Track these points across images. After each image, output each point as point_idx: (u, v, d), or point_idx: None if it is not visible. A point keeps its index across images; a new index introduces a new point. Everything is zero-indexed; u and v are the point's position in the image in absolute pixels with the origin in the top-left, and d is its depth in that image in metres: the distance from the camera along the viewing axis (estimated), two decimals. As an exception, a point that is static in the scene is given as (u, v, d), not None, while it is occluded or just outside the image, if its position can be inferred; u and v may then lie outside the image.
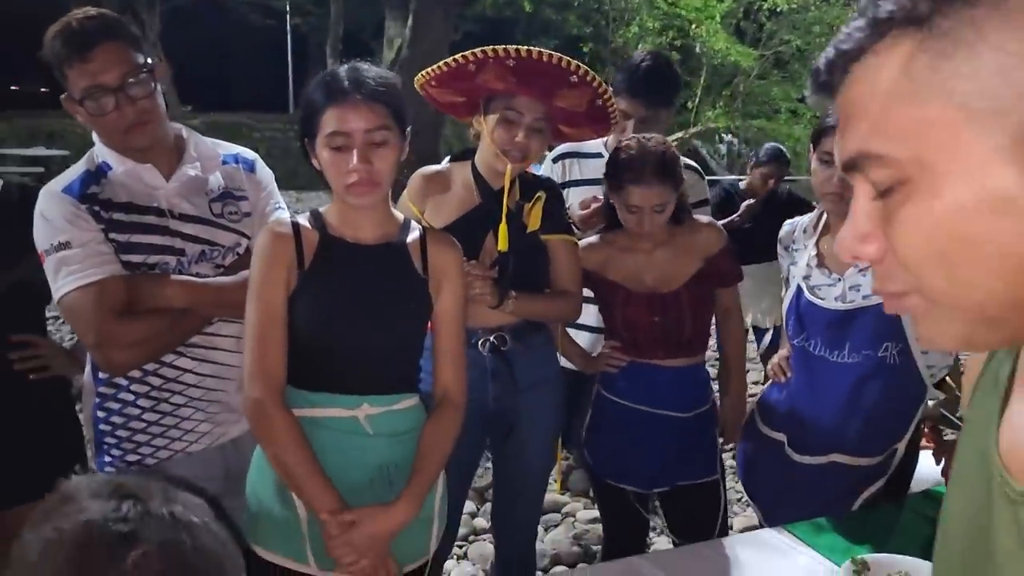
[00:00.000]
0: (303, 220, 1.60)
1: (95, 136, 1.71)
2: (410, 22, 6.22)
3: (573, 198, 2.53)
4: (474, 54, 1.86)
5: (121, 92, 1.61)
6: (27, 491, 1.78)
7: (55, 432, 1.88)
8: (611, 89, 2.02)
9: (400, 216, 1.68)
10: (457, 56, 1.89)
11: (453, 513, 2.04)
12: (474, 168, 2.04)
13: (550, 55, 1.85)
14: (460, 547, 3.13)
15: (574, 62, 1.87)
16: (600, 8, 16.42)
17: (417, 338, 1.65)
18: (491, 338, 2.04)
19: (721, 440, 2.28)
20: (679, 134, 14.47)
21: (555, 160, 2.62)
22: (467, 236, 1.90)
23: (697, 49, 14.70)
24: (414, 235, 1.64)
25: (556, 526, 3.40)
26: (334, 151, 1.49)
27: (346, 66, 1.53)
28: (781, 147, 4.61)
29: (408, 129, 1.57)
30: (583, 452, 2.28)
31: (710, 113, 13.20)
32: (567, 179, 2.59)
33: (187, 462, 1.73)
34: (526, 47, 1.86)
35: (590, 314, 2.44)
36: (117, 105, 1.62)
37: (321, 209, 1.64)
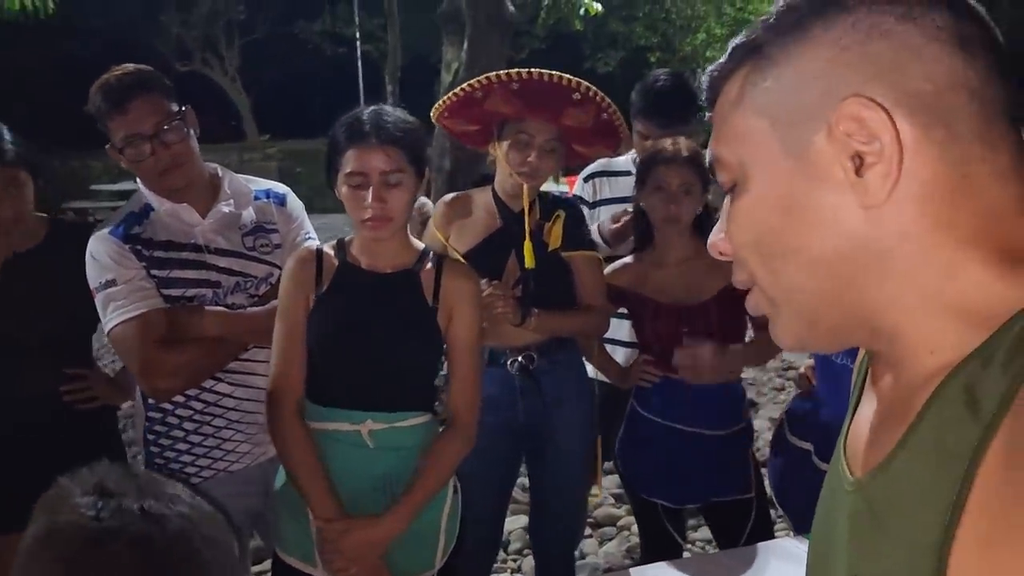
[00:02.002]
0: (327, 247, 1.73)
1: (138, 180, 1.86)
2: (465, 45, 6.35)
3: (605, 215, 2.58)
4: (479, 82, 1.94)
5: (156, 139, 1.75)
6: None
7: (101, 456, 2.02)
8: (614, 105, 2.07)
9: (420, 246, 1.77)
10: (464, 85, 1.98)
11: (493, 527, 2.11)
12: (494, 192, 2.12)
13: (551, 75, 1.92)
14: (515, 560, 3.19)
15: (575, 79, 1.94)
16: (667, 17, 16.37)
17: (425, 362, 1.73)
18: (519, 358, 2.10)
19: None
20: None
21: (586, 180, 2.69)
22: (490, 258, 1.97)
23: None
24: (429, 265, 1.73)
25: (611, 539, 3.43)
26: (352, 188, 1.61)
27: (370, 109, 1.64)
28: None
29: (427, 169, 1.68)
30: (617, 464, 2.32)
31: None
32: (598, 198, 2.65)
33: (229, 480, 1.85)
34: (528, 69, 1.94)
35: (625, 329, 2.48)
36: (153, 151, 1.76)
37: (346, 238, 1.75)
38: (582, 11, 6.47)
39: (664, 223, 2.13)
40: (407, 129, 1.63)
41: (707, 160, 0.66)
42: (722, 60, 0.63)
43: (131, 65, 1.81)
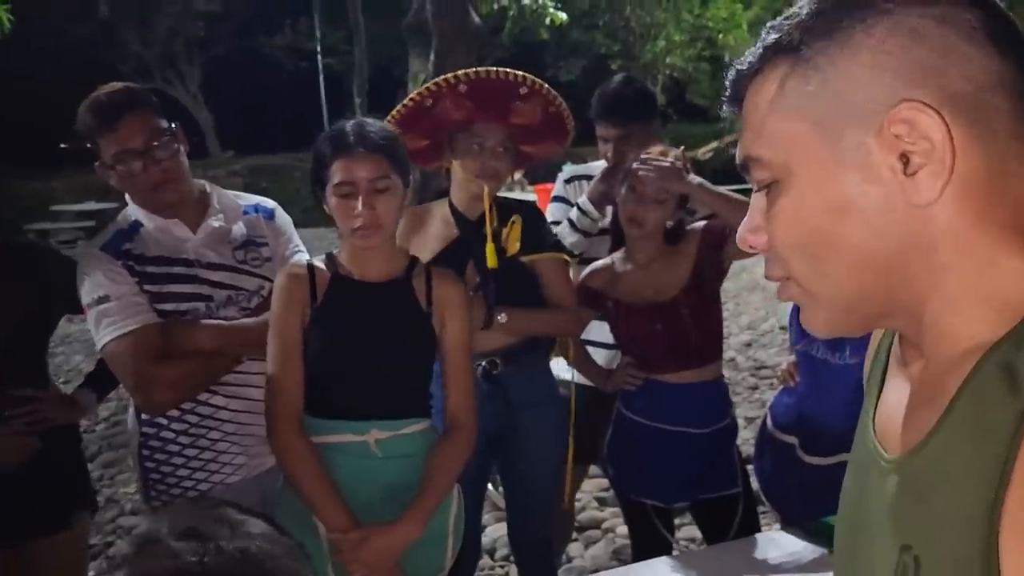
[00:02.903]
0: (317, 261, 1.75)
1: (127, 197, 1.87)
2: (432, 57, 6.39)
3: None
4: (428, 88, 2.00)
5: (147, 155, 1.76)
6: (39, 527, 1.97)
7: (63, 472, 2.02)
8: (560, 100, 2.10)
9: (408, 255, 1.80)
10: (412, 94, 2.03)
11: (471, 531, 2.12)
12: (451, 203, 2.17)
13: (498, 71, 1.98)
14: (502, 567, 3.21)
15: (521, 74, 1.99)
16: (627, 25, 16.55)
17: (422, 367, 1.77)
18: (483, 363, 2.12)
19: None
20: (714, 144, 14.49)
21: (567, 181, 2.73)
22: (449, 266, 2.01)
23: (726, 58, 14.71)
24: (420, 272, 1.77)
25: (596, 542, 3.46)
26: (341, 199, 1.64)
27: (352, 121, 1.68)
28: None
29: (411, 176, 1.71)
30: (606, 467, 2.35)
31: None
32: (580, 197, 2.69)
33: (225, 492, 1.84)
34: (474, 69, 2.00)
35: (606, 331, 2.52)
36: (144, 167, 1.77)
37: (334, 251, 1.77)
38: (547, 21, 6.55)
39: (628, 223, 2.16)
40: (390, 138, 1.69)
41: (738, 159, 0.67)
42: (750, 59, 0.64)
43: (120, 83, 1.82)
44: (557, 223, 2.57)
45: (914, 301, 0.60)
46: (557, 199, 2.75)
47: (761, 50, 0.63)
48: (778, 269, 0.66)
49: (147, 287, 1.79)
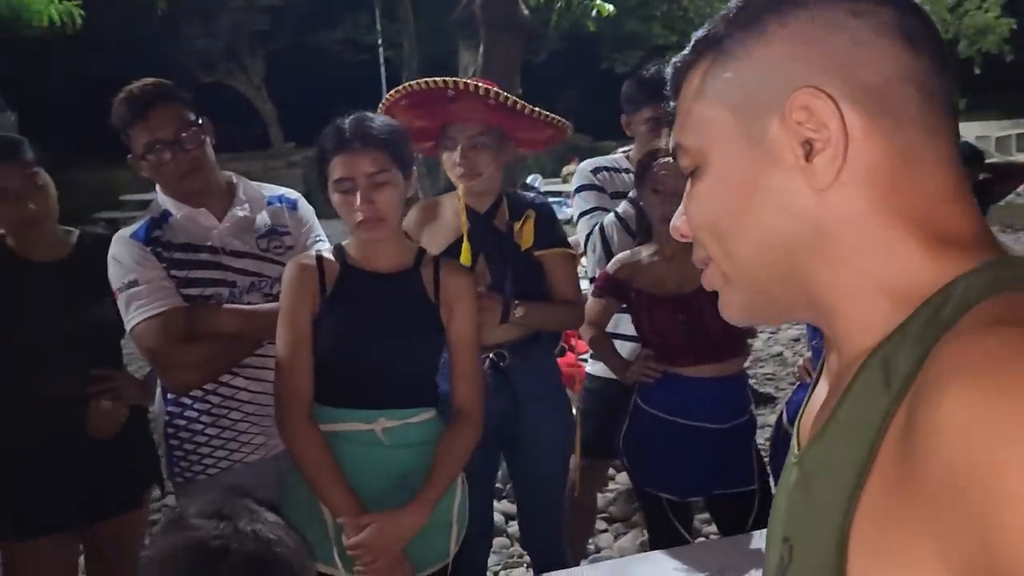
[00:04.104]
0: (327, 252, 1.79)
1: (157, 188, 1.96)
2: (480, 49, 6.43)
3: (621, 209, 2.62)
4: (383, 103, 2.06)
5: (176, 145, 1.85)
6: (110, 507, 2.06)
7: (133, 455, 2.12)
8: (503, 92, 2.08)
9: (416, 247, 1.84)
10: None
11: (481, 519, 2.16)
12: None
13: (425, 82, 2.01)
14: (521, 556, 3.24)
15: (451, 80, 2.00)
16: (685, 15, 16.33)
17: (430, 357, 1.80)
18: (491, 355, 2.15)
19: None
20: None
21: (595, 172, 2.71)
22: (458, 259, 2.04)
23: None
24: (428, 264, 1.80)
25: (625, 535, 3.48)
26: (342, 194, 1.67)
27: (352, 116, 1.70)
28: (970, 143, 3.78)
29: (413, 168, 1.74)
30: (623, 459, 2.37)
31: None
32: (614, 190, 2.68)
33: (245, 471, 1.93)
34: (410, 82, 2.03)
35: (629, 324, 2.53)
36: (173, 156, 1.85)
37: (344, 243, 1.82)
38: (594, 12, 6.52)
39: (661, 222, 2.18)
40: (389, 131, 1.70)
41: (670, 147, 0.70)
42: (685, 52, 0.67)
43: (151, 78, 1.91)
44: (599, 210, 2.58)
45: (816, 291, 0.61)
46: (586, 188, 2.70)
47: (693, 43, 0.66)
48: (699, 251, 0.68)
49: (174, 272, 1.87)
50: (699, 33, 0.65)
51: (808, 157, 0.58)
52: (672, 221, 0.70)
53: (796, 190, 0.59)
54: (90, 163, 12.51)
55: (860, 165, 0.57)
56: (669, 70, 0.69)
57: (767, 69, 0.60)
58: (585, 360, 3.14)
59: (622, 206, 2.51)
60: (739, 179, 0.62)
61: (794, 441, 0.69)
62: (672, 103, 0.70)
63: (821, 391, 0.68)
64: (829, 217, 0.59)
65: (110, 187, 13.41)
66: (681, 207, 0.69)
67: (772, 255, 0.62)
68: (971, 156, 3.69)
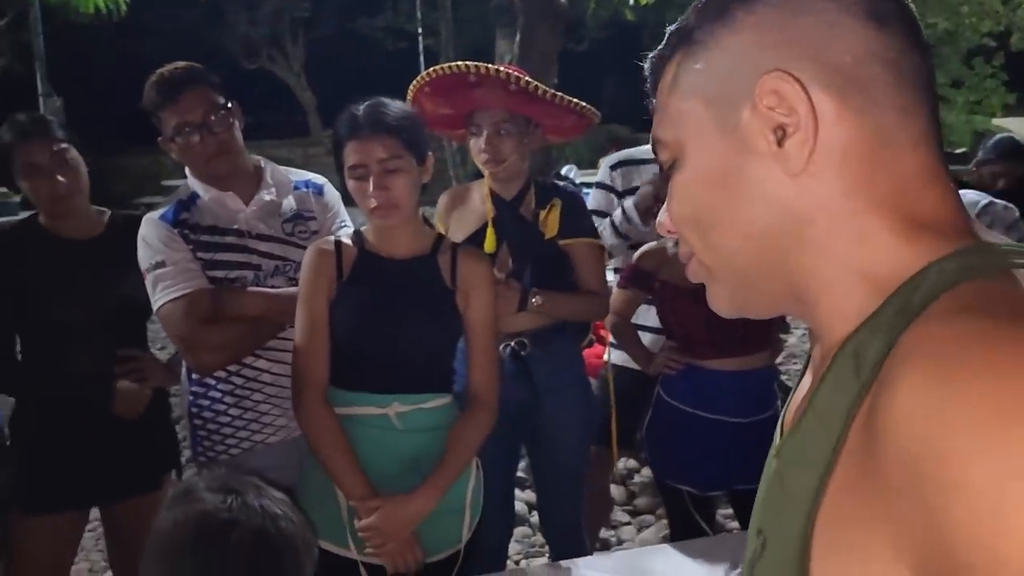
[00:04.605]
0: (345, 238, 1.80)
1: (187, 171, 1.99)
2: (518, 38, 6.42)
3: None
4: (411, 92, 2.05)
5: (204, 127, 1.88)
6: (132, 487, 2.11)
7: (153, 438, 2.17)
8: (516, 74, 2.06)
9: (434, 233, 1.84)
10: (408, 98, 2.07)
11: (502, 508, 2.16)
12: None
13: (448, 67, 2.00)
14: (543, 546, 3.24)
15: (472, 64, 2.00)
16: (727, 5, 16.12)
17: (445, 343, 1.80)
18: (512, 343, 2.15)
19: None
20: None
21: (613, 168, 2.70)
22: (483, 246, 2.04)
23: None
24: (446, 250, 1.80)
25: (649, 527, 3.47)
26: (356, 181, 1.68)
27: (366, 103, 1.70)
28: (1015, 138, 3.66)
29: (428, 154, 1.74)
30: (644, 451, 2.36)
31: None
32: (628, 186, 2.66)
33: (267, 452, 1.95)
34: (432, 68, 2.03)
35: (653, 315, 2.52)
36: (201, 139, 1.88)
37: (362, 228, 1.83)
38: (631, 1, 6.46)
39: None
40: (402, 117, 1.70)
41: (649, 142, 0.69)
42: (660, 47, 0.66)
43: (182, 62, 1.94)
44: (599, 213, 2.55)
45: (796, 281, 0.60)
46: (599, 186, 2.69)
47: (667, 37, 0.66)
48: (683, 245, 0.68)
49: (200, 255, 1.90)
50: (672, 27, 0.65)
51: (780, 143, 0.57)
52: (658, 218, 0.70)
53: (772, 178, 0.58)
54: (135, 149, 12.72)
55: (834, 147, 0.56)
56: (647, 66, 0.68)
57: (737, 58, 0.59)
58: None
59: (617, 215, 2.49)
60: (716, 170, 0.61)
61: (777, 432, 0.68)
62: (652, 99, 0.69)
63: (805, 383, 0.67)
64: (806, 204, 0.58)
65: (154, 172, 13.63)
66: (666, 204, 0.68)
67: (754, 246, 0.61)
68: (1015, 151, 3.63)
